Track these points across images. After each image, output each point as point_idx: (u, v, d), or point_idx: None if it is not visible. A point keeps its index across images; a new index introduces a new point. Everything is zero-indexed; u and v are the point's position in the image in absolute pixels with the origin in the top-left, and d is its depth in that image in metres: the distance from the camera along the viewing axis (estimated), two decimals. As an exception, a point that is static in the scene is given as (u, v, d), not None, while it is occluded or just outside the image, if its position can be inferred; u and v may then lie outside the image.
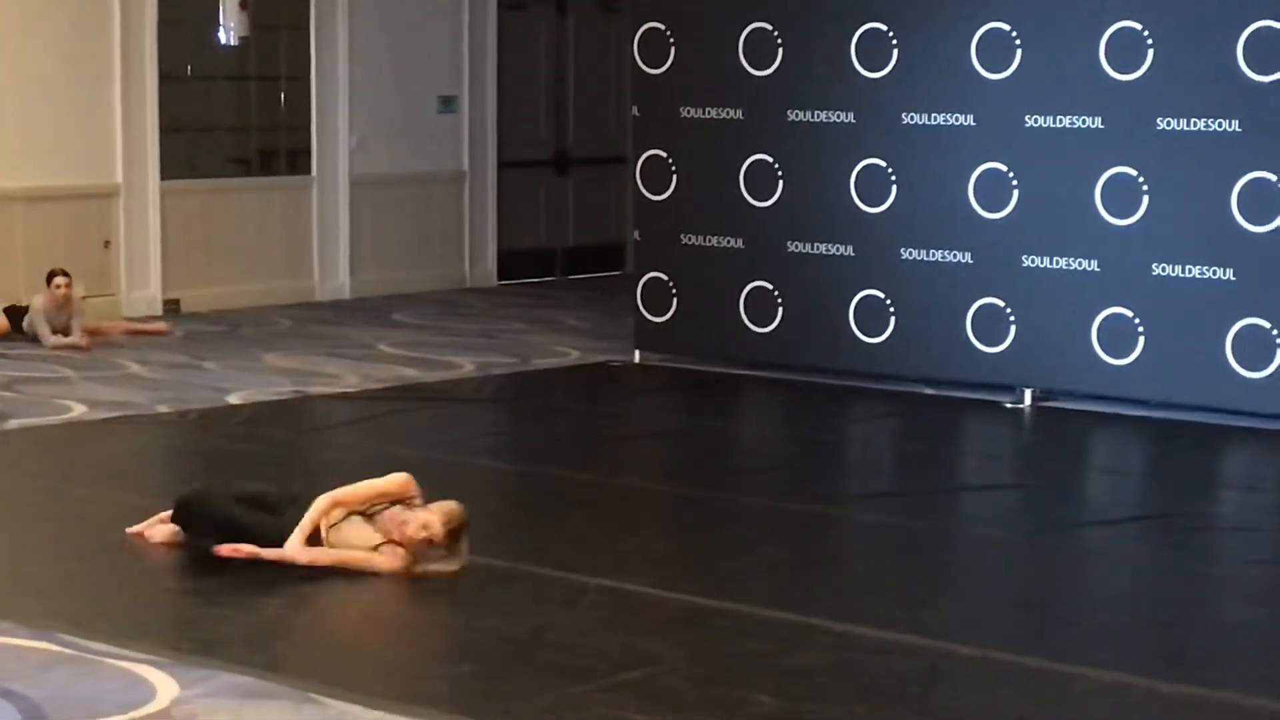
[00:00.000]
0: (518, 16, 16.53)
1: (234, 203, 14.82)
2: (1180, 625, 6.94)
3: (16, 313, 12.78)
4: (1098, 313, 10.68)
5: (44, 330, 12.54)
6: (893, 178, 11.34)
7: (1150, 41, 10.38)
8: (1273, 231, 10.15)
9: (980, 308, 11.08)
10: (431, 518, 7.17)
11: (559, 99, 17.00)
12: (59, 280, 12.62)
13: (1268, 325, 10.20)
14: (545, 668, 6.16)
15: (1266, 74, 10.09)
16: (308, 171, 15.23)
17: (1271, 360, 10.23)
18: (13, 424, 10.06)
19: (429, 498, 7.41)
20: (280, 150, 15.36)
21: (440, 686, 5.99)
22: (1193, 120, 10.29)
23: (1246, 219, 10.19)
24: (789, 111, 11.67)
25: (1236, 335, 10.28)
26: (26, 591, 7.09)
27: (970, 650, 6.39)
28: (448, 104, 15.91)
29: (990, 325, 11.06)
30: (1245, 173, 10.18)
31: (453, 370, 12.02)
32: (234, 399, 10.90)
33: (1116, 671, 6.20)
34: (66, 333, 12.57)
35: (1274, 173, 10.13)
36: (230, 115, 15.09)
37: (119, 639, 6.33)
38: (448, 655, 6.32)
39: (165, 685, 5.91)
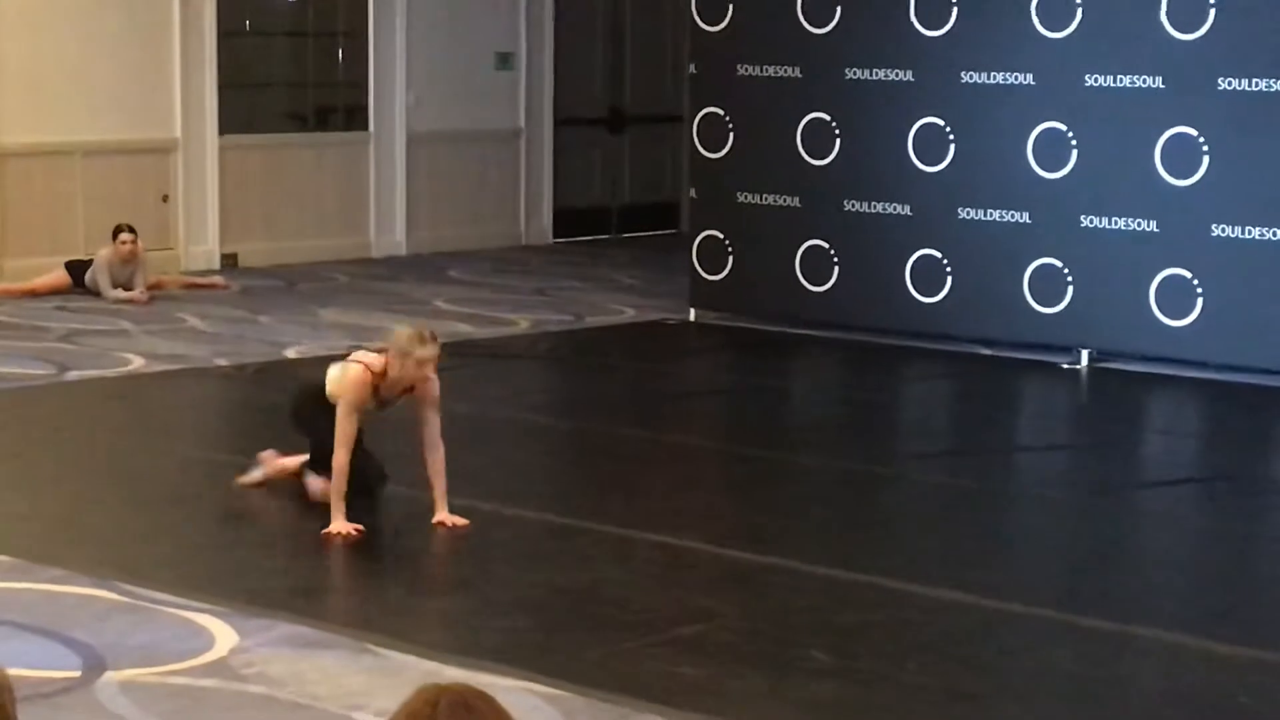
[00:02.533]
0: (576, -27, 16.51)
1: (291, 158, 14.87)
2: (1235, 586, 6.93)
3: (79, 267, 12.87)
4: (1156, 274, 10.62)
5: (105, 283, 12.63)
6: (951, 137, 11.29)
7: (1212, 1, 10.29)
8: None
9: (1038, 268, 11.04)
10: (422, 354, 7.07)
11: (615, 57, 16.97)
12: (125, 236, 12.70)
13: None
14: (599, 622, 6.19)
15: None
16: (365, 128, 15.26)
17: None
18: (72, 375, 10.15)
19: (485, 456, 7.44)
20: (338, 106, 15.39)
21: (494, 639, 6.03)
22: (1254, 80, 10.21)
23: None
24: (847, 70, 11.64)
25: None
26: (86, 541, 7.16)
27: (1023, 609, 6.39)
28: (505, 61, 15.91)
29: (1048, 286, 11.01)
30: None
31: (508, 327, 12.05)
32: (291, 353, 10.96)
33: (1170, 631, 6.20)
34: (129, 287, 12.65)
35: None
36: (288, 71, 15.13)
37: (178, 588, 6.39)
38: (502, 608, 6.36)
39: (224, 634, 5.96)
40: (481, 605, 6.50)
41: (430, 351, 7.13)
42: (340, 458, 7.15)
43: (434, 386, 7.23)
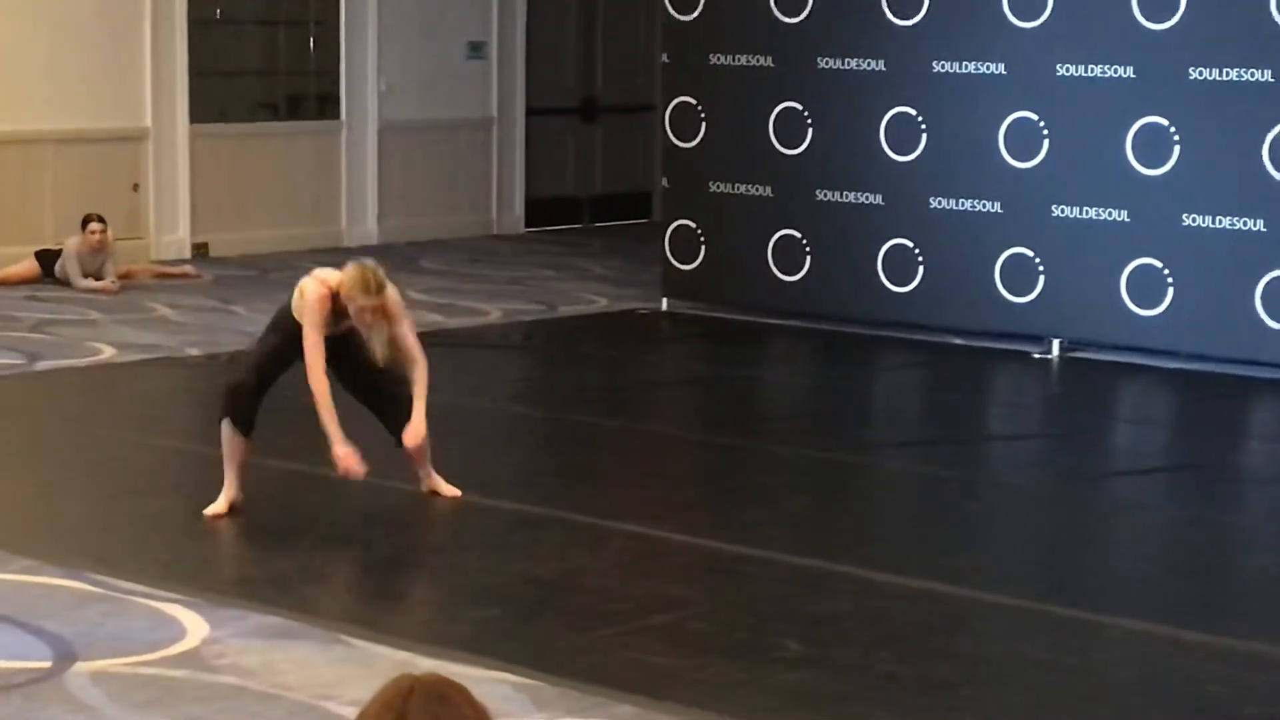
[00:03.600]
0: (547, -38, 16.48)
1: (263, 147, 14.82)
2: (1206, 575, 6.95)
3: (49, 256, 12.82)
4: (1127, 263, 10.65)
5: (75, 272, 12.58)
6: (923, 126, 11.30)
7: None
8: None
9: (1009, 257, 11.06)
10: (364, 303, 7.01)
11: (587, 46, 16.95)
12: (94, 226, 12.65)
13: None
14: (572, 611, 6.19)
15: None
16: (336, 117, 15.22)
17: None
18: (42, 365, 10.11)
19: (457, 446, 7.43)
20: (309, 95, 15.35)
21: (467, 629, 6.03)
22: (1225, 70, 10.24)
23: (1278, 170, 10.15)
24: (819, 59, 11.64)
25: (1266, 286, 10.24)
26: (57, 531, 7.14)
27: (995, 598, 6.41)
28: (476, 50, 15.88)
29: (1019, 275, 11.03)
30: (1276, 124, 10.13)
31: (480, 317, 12.04)
32: (262, 343, 10.92)
33: (1141, 620, 6.22)
34: (98, 277, 12.61)
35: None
36: (259, 60, 15.09)
37: (149, 578, 6.37)
38: (475, 598, 6.35)
39: (195, 625, 5.95)
40: (454, 595, 6.50)
41: (370, 302, 7.02)
42: (316, 378, 7.09)
43: (391, 306, 7.12)
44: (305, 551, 6.87)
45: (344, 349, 7.19)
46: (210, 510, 7.18)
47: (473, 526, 7.26)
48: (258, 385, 7.28)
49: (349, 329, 7.16)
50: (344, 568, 6.90)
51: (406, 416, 7.23)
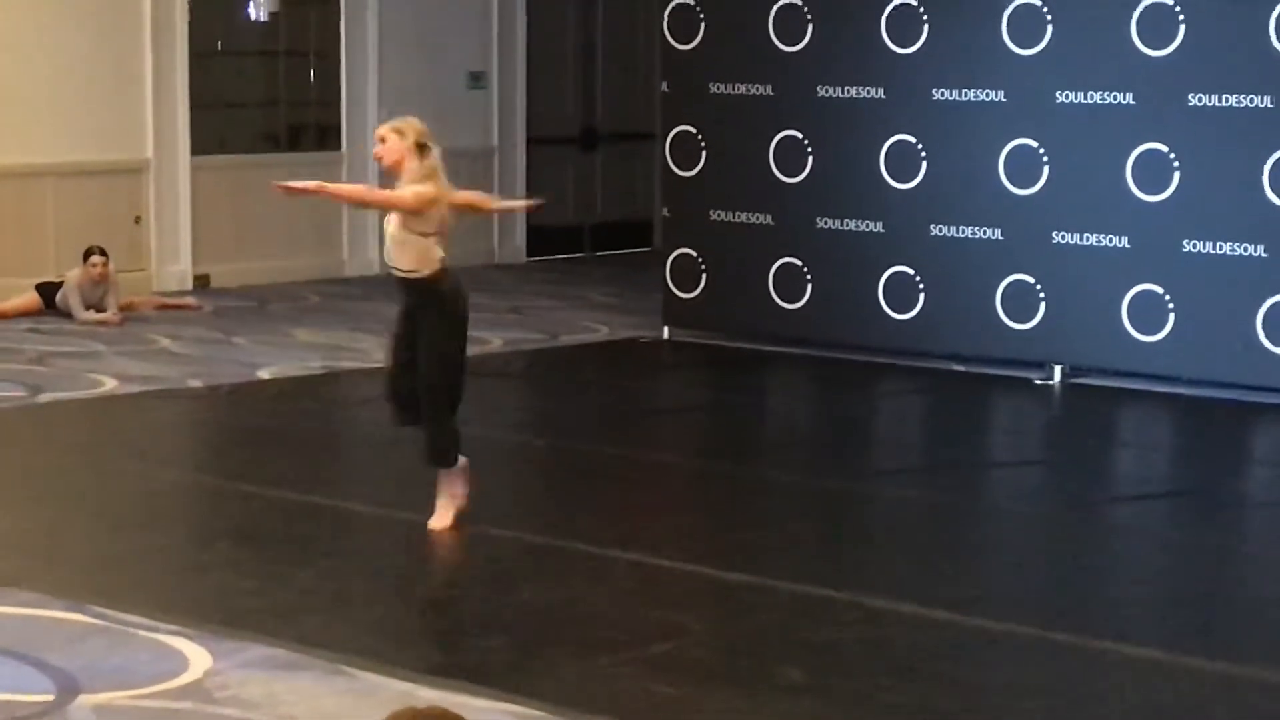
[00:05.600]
0: (548, -8, 16.52)
1: (264, 178, 14.80)
2: (1209, 601, 6.94)
3: (50, 289, 12.84)
4: (1128, 289, 10.65)
5: (77, 304, 12.60)
6: (922, 154, 11.32)
7: (1182, 17, 10.34)
8: None
9: (1010, 284, 11.07)
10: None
11: (587, 75, 16.99)
12: (95, 259, 12.67)
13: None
14: (574, 640, 6.19)
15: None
16: (337, 147, 15.25)
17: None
18: (44, 398, 10.12)
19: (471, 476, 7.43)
20: (310, 126, 15.38)
21: (470, 658, 6.02)
22: (1224, 96, 10.26)
23: (1278, 195, 10.16)
24: (819, 87, 11.66)
25: (1268, 312, 10.25)
26: (59, 564, 7.14)
27: (997, 625, 6.40)
28: (477, 80, 15.92)
29: (1020, 301, 11.04)
30: (1276, 149, 10.14)
31: (481, 346, 12.02)
32: (264, 374, 10.94)
33: (1144, 646, 6.21)
34: (100, 309, 12.62)
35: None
36: (260, 91, 15.12)
37: (152, 611, 6.37)
38: (477, 628, 6.35)
39: (198, 657, 5.94)
40: (456, 625, 6.50)
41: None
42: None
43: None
44: (307, 582, 6.87)
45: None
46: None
47: (475, 556, 7.26)
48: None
49: None
50: (346, 598, 6.89)
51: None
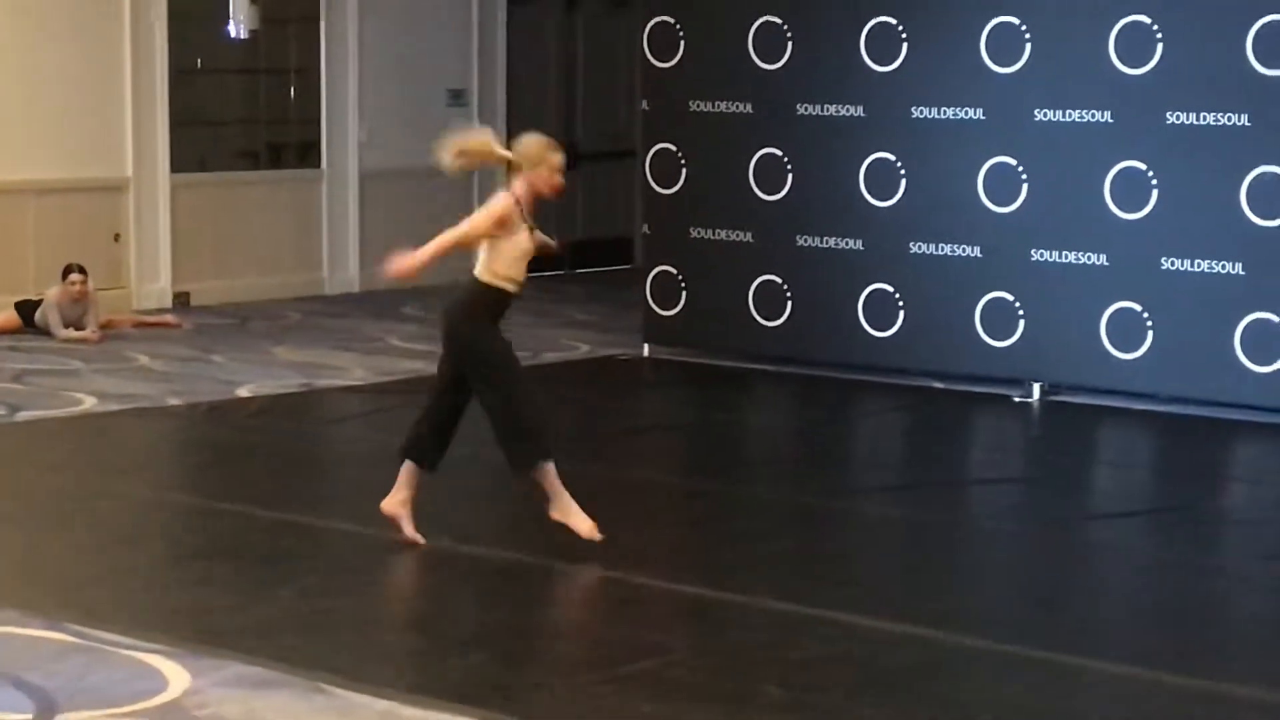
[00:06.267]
0: (527, 11, 16.55)
1: (244, 196, 14.84)
2: (1187, 618, 6.95)
3: (29, 307, 12.81)
4: (1106, 307, 10.68)
5: (56, 322, 12.58)
6: (902, 172, 11.35)
7: (1160, 35, 10.38)
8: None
9: (989, 302, 11.09)
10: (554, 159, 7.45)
11: (568, 93, 17.01)
12: (75, 277, 12.65)
13: (1277, 319, 10.21)
14: (554, 658, 6.18)
15: (1275, 68, 10.10)
16: (317, 165, 15.25)
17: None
18: (23, 416, 10.09)
19: (440, 493, 7.42)
20: (290, 144, 15.38)
21: (450, 677, 6.01)
22: (1202, 114, 10.30)
23: (1255, 213, 10.20)
24: (798, 105, 11.69)
25: (1245, 329, 10.28)
26: (39, 582, 7.12)
27: (977, 642, 6.41)
28: (457, 98, 15.92)
29: (999, 319, 11.06)
30: (1254, 167, 10.18)
31: (462, 363, 12.01)
32: (243, 392, 10.93)
33: (1122, 664, 6.22)
34: (79, 327, 12.60)
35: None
36: (240, 109, 15.12)
37: (131, 629, 6.35)
38: (458, 645, 6.34)
39: (177, 675, 5.93)
40: (436, 643, 6.49)
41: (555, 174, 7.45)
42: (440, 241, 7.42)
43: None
44: (287, 600, 6.86)
45: None
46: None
47: (455, 574, 7.25)
48: None
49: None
50: (325, 616, 6.88)
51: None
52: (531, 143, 7.57)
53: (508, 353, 7.45)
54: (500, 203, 7.45)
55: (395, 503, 7.45)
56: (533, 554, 7.43)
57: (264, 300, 14.54)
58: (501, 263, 7.37)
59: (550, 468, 7.38)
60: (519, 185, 7.47)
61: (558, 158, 7.52)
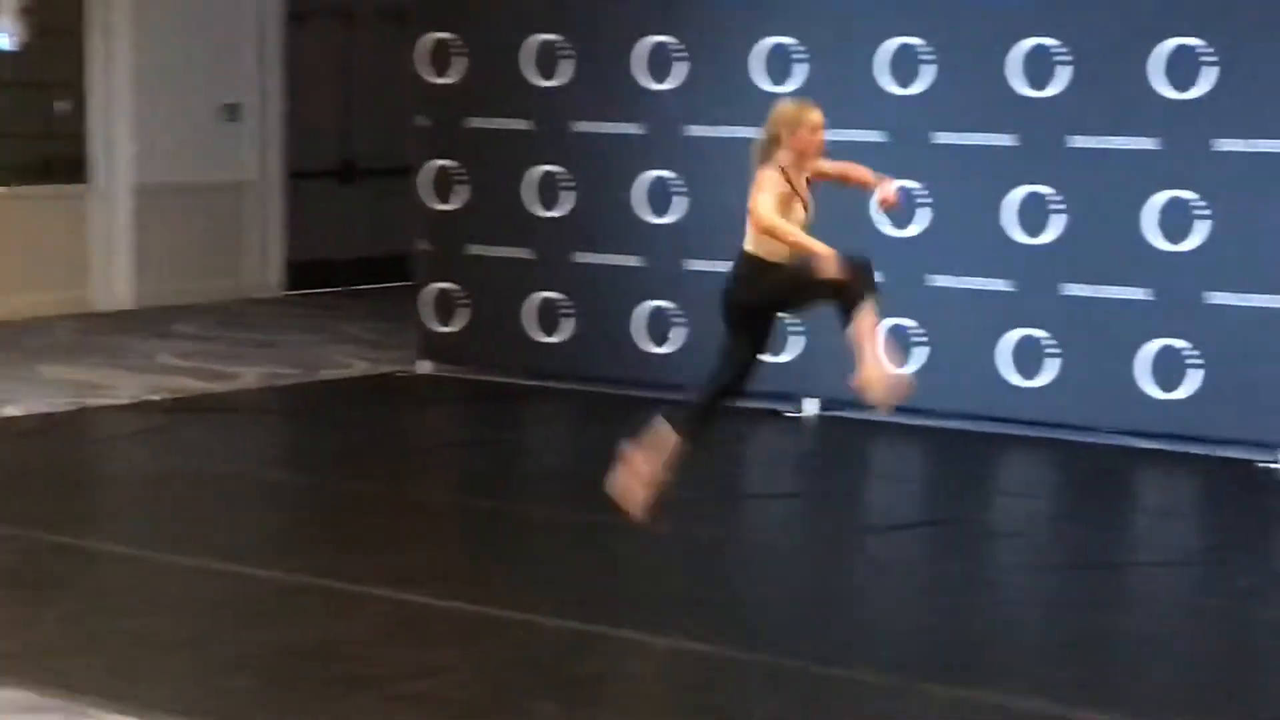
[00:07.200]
0: (304, 25, 16.39)
1: (10, 211, 14.49)
2: (954, 629, 7.08)
3: None
4: (880, 323, 10.81)
5: None
6: (681, 189, 11.42)
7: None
8: (1049, 244, 10.37)
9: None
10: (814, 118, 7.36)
11: (346, 108, 16.87)
12: None
13: (1042, 335, 10.44)
14: (329, 679, 6.12)
15: (1040, 89, 10.30)
16: (87, 180, 14.95)
17: (1045, 369, 10.47)
18: None
19: (212, 513, 7.32)
20: (59, 158, 15.05)
21: (219, 700, 5.92)
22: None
23: (1024, 231, 10.39)
24: (576, 122, 11.72)
25: (1014, 344, 10.48)
26: None
27: (749, 655, 6.46)
28: (233, 112, 15.72)
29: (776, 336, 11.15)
30: (1017, 184, 10.36)
31: (236, 381, 11.87)
32: (11, 410, 10.66)
33: (889, 674, 6.31)
34: None
35: (1048, 184, 10.34)
36: (7, 122, 14.77)
37: (-113, 656, 6.17)
38: (228, 667, 6.25)
39: (-64, 702, 5.77)
40: (207, 665, 6.38)
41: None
42: (782, 230, 7.23)
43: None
44: (53, 624, 6.71)
45: None
46: None
47: (229, 595, 7.15)
48: None
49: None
50: (94, 639, 6.73)
51: None
52: (783, 109, 7.50)
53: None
54: (770, 180, 7.34)
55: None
56: (306, 574, 7.35)
57: (33, 318, 14.20)
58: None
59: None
60: (784, 155, 7.38)
61: (814, 115, 7.43)
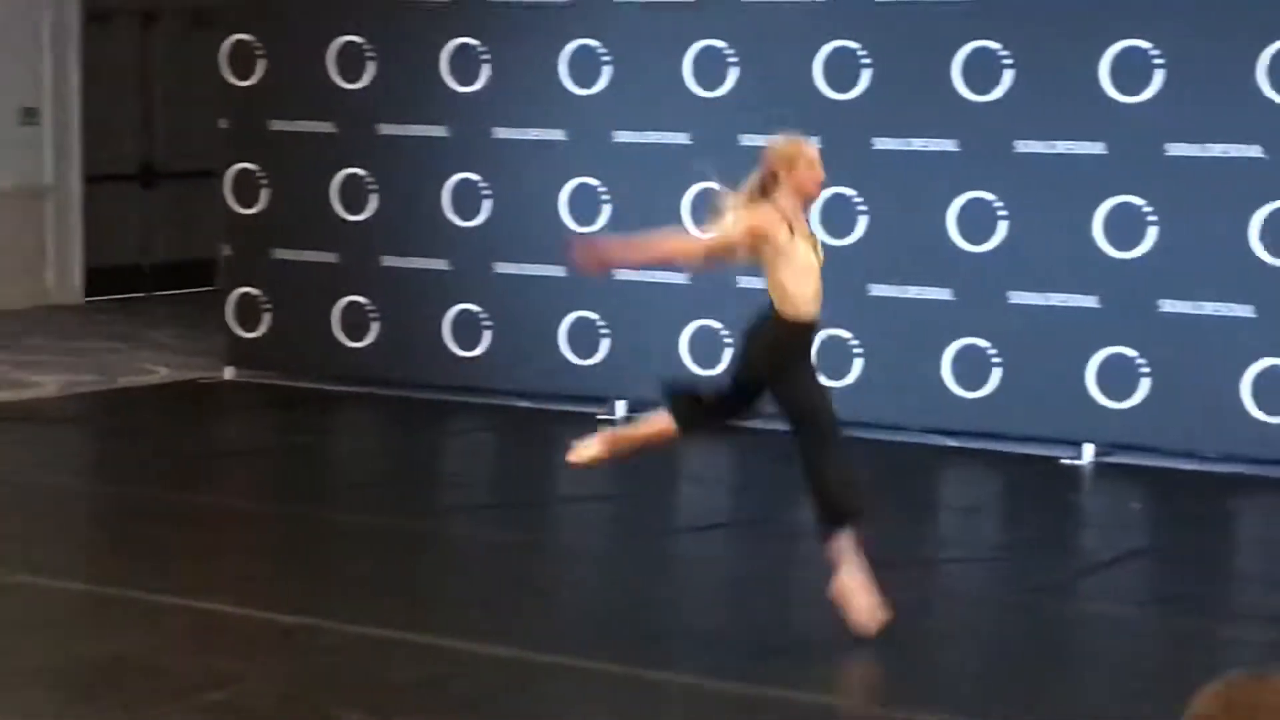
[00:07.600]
0: (103, 27, 16.08)
1: None
2: (760, 630, 7.10)
3: None
4: (686, 325, 10.86)
5: None
6: (486, 191, 11.37)
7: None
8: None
9: (574, 321, 11.18)
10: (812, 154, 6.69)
11: (146, 111, 16.59)
12: None
13: (846, 335, 10.53)
14: (125, 691, 5.99)
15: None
16: (-121, 184, 14.55)
17: (852, 371, 10.56)
18: None
19: (8, 523, 7.14)
20: None
21: (13, 716, 5.77)
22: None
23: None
24: (379, 125, 11.62)
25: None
26: None
27: (559, 659, 6.43)
28: (29, 116, 15.38)
29: (584, 338, 11.16)
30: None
31: (35, 390, 11.62)
32: None
33: (701, 676, 6.32)
34: None
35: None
36: None
37: None
38: (20, 680, 6.09)
39: None
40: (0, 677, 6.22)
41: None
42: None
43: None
44: None
45: None
46: None
47: (24, 607, 6.97)
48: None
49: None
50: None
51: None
52: (778, 145, 6.71)
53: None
54: (761, 214, 6.63)
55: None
56: (104, 584, 7.20)
57: None
58: (792, 284, 6.68)
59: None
60: (783, 195, 6.63)
61: (810, 150, 6.71)
